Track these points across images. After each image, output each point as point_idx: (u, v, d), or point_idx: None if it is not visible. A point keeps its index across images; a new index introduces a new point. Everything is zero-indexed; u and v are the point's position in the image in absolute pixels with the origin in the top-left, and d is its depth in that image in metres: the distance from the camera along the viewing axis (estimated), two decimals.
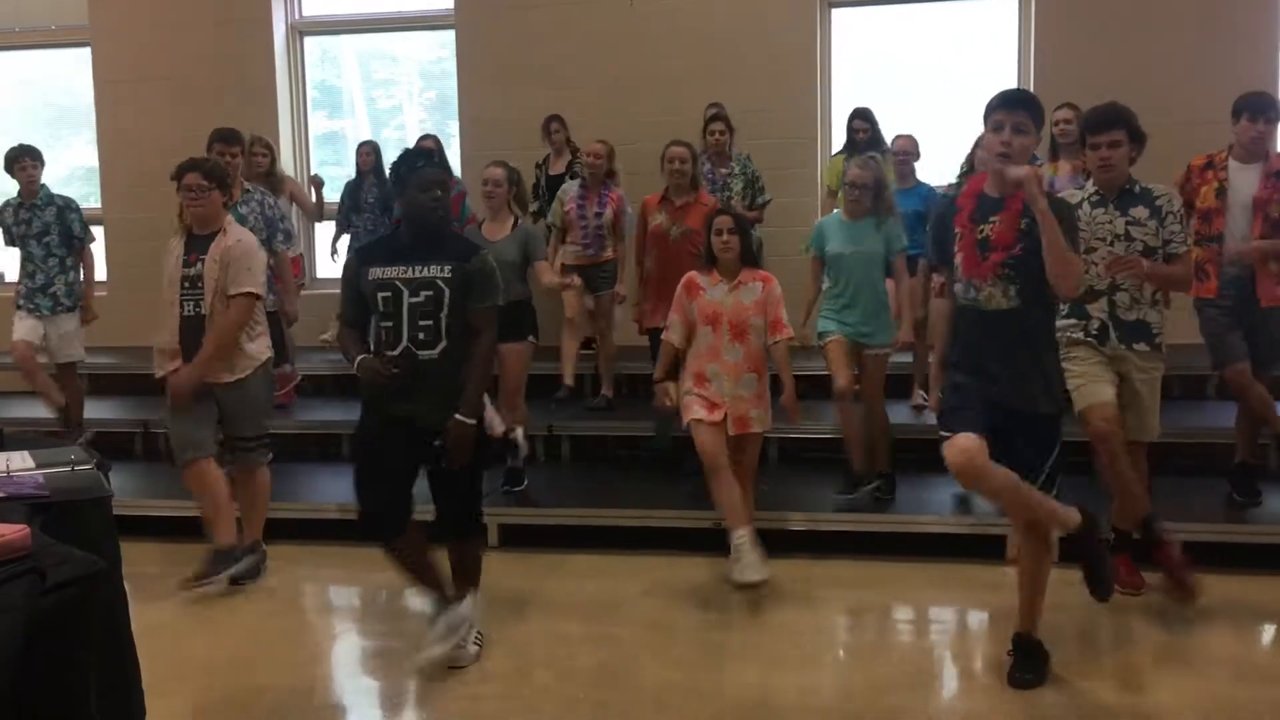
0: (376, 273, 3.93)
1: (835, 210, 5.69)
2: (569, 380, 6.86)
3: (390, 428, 3.92)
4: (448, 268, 3.88)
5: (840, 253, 5.37)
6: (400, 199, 4.03)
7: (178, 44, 8.79)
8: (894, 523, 5.30)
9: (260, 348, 4.98)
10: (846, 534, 5.29)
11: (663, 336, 4.91)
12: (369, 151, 7.90)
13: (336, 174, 9.09)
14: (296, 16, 9.02)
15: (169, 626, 4.55)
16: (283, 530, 5.49)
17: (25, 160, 6.69)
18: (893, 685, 3.85)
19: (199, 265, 4.88)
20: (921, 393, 6.40)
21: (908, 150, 6.64)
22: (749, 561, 4.58)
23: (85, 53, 9.15)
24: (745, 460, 4.83)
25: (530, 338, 5.74)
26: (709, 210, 5.49)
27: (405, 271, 3.90)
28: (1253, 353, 5.11)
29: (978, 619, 4.62)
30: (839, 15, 8.28)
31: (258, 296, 4.94)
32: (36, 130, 9.67)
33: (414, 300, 3.86)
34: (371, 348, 3.96)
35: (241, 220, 6.02)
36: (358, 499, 4.01)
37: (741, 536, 4.61)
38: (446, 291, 3.87)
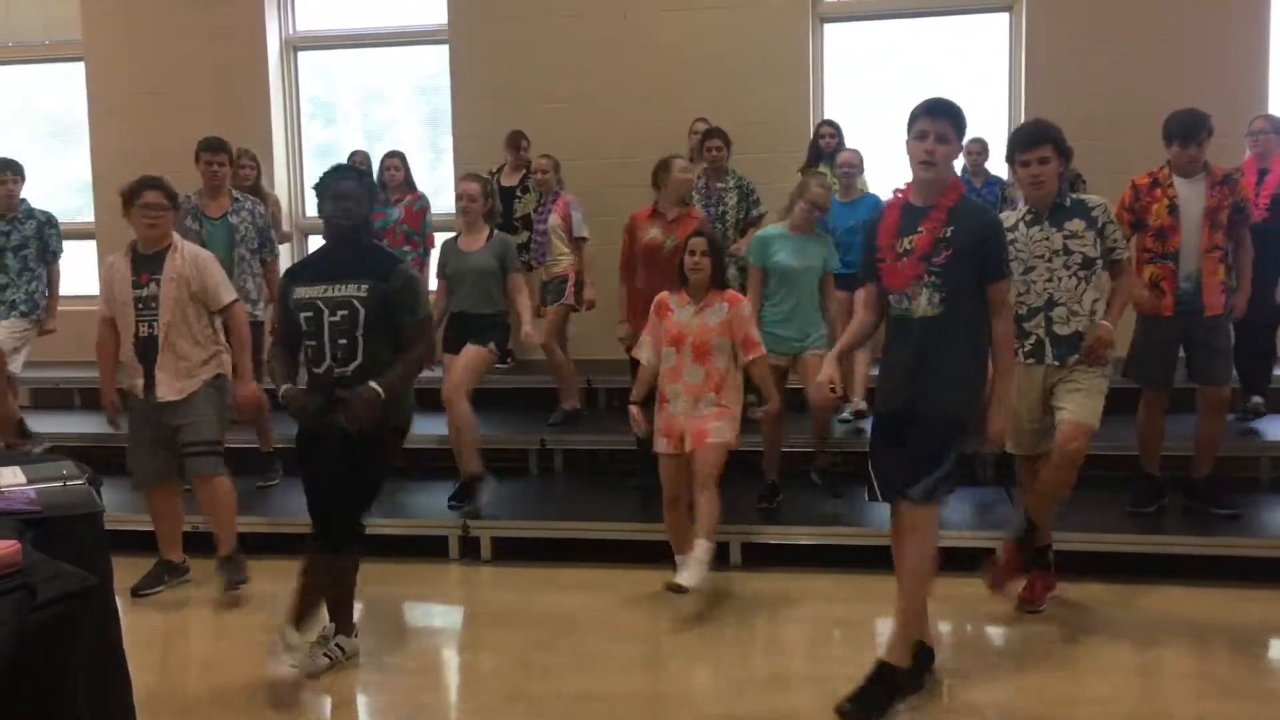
0: (301, 292, 3.98)
1: (778, 225, 5.70)
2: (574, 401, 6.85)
3: (317, 444, 3.99)
4: (364, 286, 3.92)
5: (790, 266, 5.48)
6: (319, 213, 4.06)
7: (171, 59, 8.80)
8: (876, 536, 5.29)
9: (214, 365, 4.99)
10: (825, 547, 5.31)
11: (634, 354, 4.94)
12: (362, 161, 7.90)
13: None
14: (290, 32, 9.04)
15: (160, 641, 4.54)
16: (273, 545, 5.48)
17: (6, 174, 6.66)
18: None
19: (152, 285, 4.84)
20: (851, 400, 6.53)
21: (853, 164, 6.74)
22: (690, 570, 4.60)
23: (79, 67, 9.15)
24: (699, 469, 4.67)
25: (491, 345, 5.68)
26: (701, 224, 5.53)
27: (325, 290, 3.94)
28: (1192, 366, 5.26)
29: (957, 633, 4.62)
30: (831, 30, 8.32)
31: (238, 301, 5.04)
32: (30, 144, 9.68)
33: (332, 319, 3.92)
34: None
35: (233, 230, 6.03)
36: (310, 515, 4.12)
37: (701, 548, 4.63)
38: (361, 311, 3.90)
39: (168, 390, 4.86)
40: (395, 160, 7.59)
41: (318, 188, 4.03)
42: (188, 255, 4.90)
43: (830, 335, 5.57)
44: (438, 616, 5.08)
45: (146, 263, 4.88)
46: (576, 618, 4.72)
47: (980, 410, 3.65)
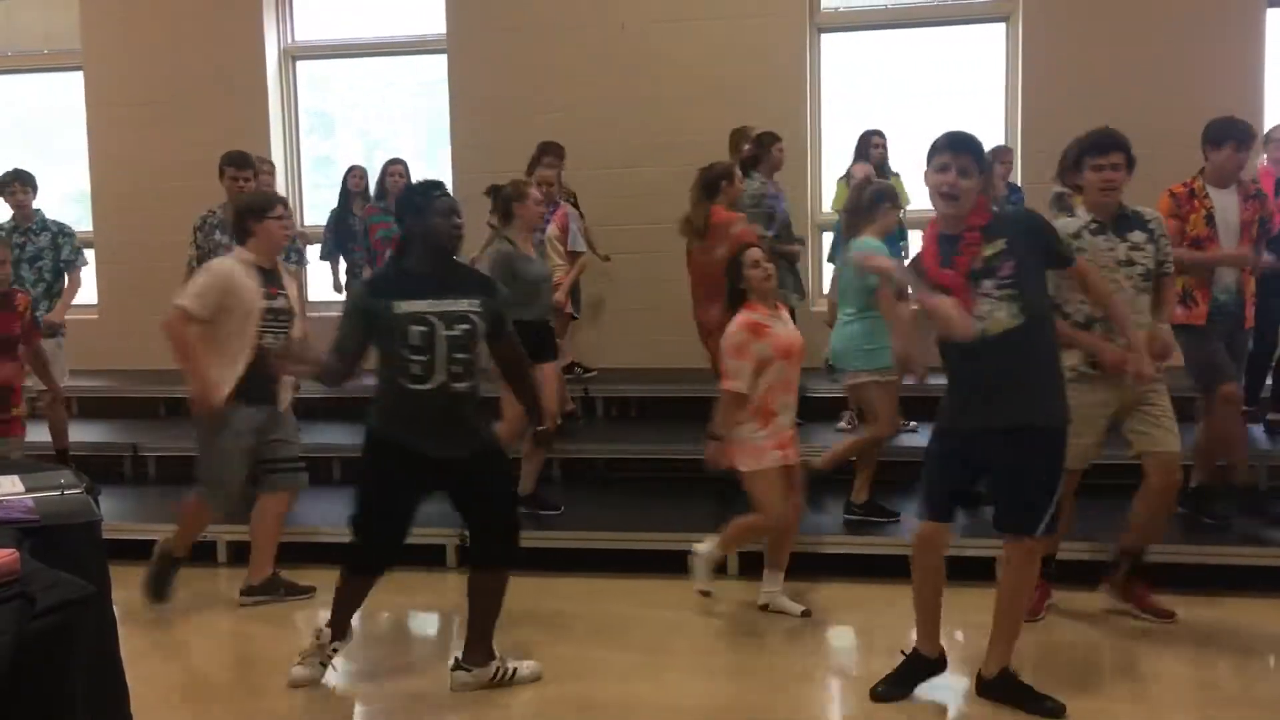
0: (404, 306, 3.81)
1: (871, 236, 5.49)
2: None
3: (410, 465, 3.87)
4: (476, 301, 3.88)
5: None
6: (417, 228, 3.90)
7: (170, 68, 8.82)
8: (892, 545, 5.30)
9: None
10: (847, 556, 5.30)
11: (731, 388, 4.58)
12: (361, 175, 7.92)
13: (329, 198, 9.11)
14: (289, 41, 9.05)
15: (158, 651, 4.53)
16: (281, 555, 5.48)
17: (15, 185, 6.68)
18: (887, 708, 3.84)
19: (281, 299, 4.86)
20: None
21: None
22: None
23: (78, 76, 9.16)
24: (797, 488, 4.77)
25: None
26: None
27: (437, 305, 3.83)
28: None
29: (974, 642, 4.61)
30: (829, 39, 8.35)
31: None
32: (28, 153, 9.68)
33: (450, 334, 3.81)
34: (389, 380, 3.88)
35: None
36: (360, 531, 3.98)
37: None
38: (479, 325, 3.88)
39: (282, 402, 4.94)
40: (399, 167, 7.59)
41: (413, 205, 3.92)
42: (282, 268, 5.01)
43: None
44: (434, 625, 5.07)
45: (270, 276, 4.86)
46: (573, 626, 4.71)
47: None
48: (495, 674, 4.04)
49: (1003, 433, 3.53)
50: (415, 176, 7.87)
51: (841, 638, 4.73)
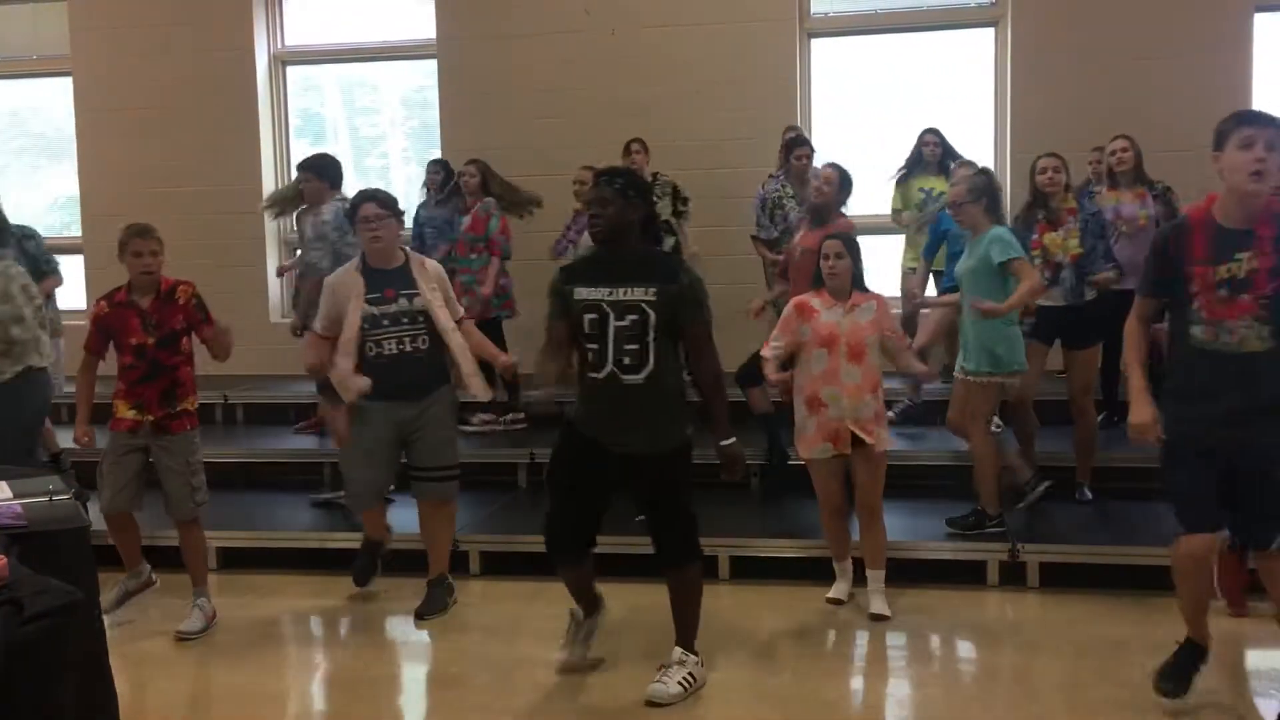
0: (583, 293, 3.81)
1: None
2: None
3: (594, 454, 3.86)
4: (652, 290, 3.77)
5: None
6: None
7: (159, 74, 8.80)
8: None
9: None
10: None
11: (763, 353, 4.79)
12: (438, 170, 7.75)
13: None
14: (279, 46, 9.05)
15: (146, 657, 4.51)
16: (262, 560, 5.47)
17: None
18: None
19: (400, 301, 4.72)
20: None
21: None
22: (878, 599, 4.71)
23: (67, 82, 9.14)
24: (873, 482, 4.72)
25: None
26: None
27: (610, 294, 3.78)
28: None
29: (965, 646, 4.63)
30: (818, 45, 8.37)
31: None
32: (17, 159, 9.69)
33: (619, 324, 3.75)
34: (579, 369, 3.89)
35: (322, 235, 6.07)
36: (548, 514, 4.00)
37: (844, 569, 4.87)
38: (651, 315, 3.75)
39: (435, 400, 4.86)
40: (473, 167, 7.48)
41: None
42: (424, 262, 4.90)
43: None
44: (426, 631, 5.05)
45: (388, 278, 4.75)
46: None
47: None
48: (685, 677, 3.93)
49: (1247, 450, 3.36)
50: (407, 182, 7.88)
51: (835, 643, 4.72)
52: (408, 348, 4.72)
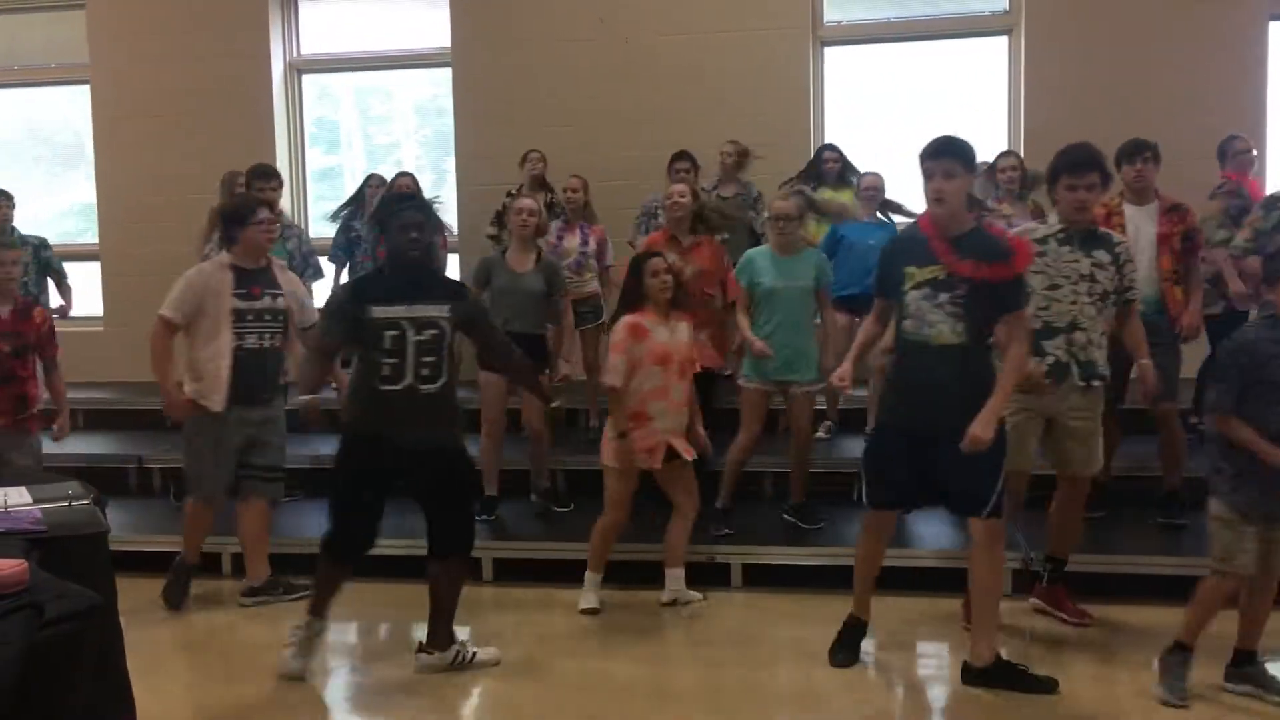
0: (379, 310, 4.06)
1: (763, 245, 5.74)
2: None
3: (377, 456, 4.10)
4: (445, 307, 4.10)
5: (774, 288, 5.43)
6: (385, 241, 4.27)
7: (176, 81, 8.85)
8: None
9: None
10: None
11: (605, 381, 4.88)
12: (379, 184, 7.87)
13: (333, 208, 9.13)
14: (295, 54, 9.10)
15: (163, 662, 4.54)
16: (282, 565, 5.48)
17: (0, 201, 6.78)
18: None
19: (266, 298, 5.01)
20: (828, 424, 6.71)
21: (876, 186, 6.76)
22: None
23: (84, 90, 9.21)
24: (690, 487, 4.97)
25: (548, 372, 5.74)
26: (718, 250, 5.71)
27: (408, 310, 4.06)
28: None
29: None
30: (831, 53, 8.38)
31: None
32: (35, 167, 9.76)
33: (419, 338, 4.04)
34: (360, 380, 4.15)
35: (290, 256, 6.14)
36: (334, 521, 4.23)
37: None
38: (447, 330, 4.10)
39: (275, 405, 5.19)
40: (407, 179, 7.61)
41: (379, 219, 4.33)
42: (284, 270, 5.22)
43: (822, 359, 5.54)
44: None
45: (254, 277, 5.03)
46: (577, 638, 4.71)
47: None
48: (455, 657, 4.28)
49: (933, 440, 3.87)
50: (416, 188, 7.89)
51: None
52: (266, 344, 5.04)
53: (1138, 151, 5.16)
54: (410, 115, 9.40)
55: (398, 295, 4.07)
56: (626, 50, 8.25)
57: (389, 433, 4.06)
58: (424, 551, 4.31)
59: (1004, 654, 4.04)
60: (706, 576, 5.24)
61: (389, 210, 4.19)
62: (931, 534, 5.49)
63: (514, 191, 7.51)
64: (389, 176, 7.84)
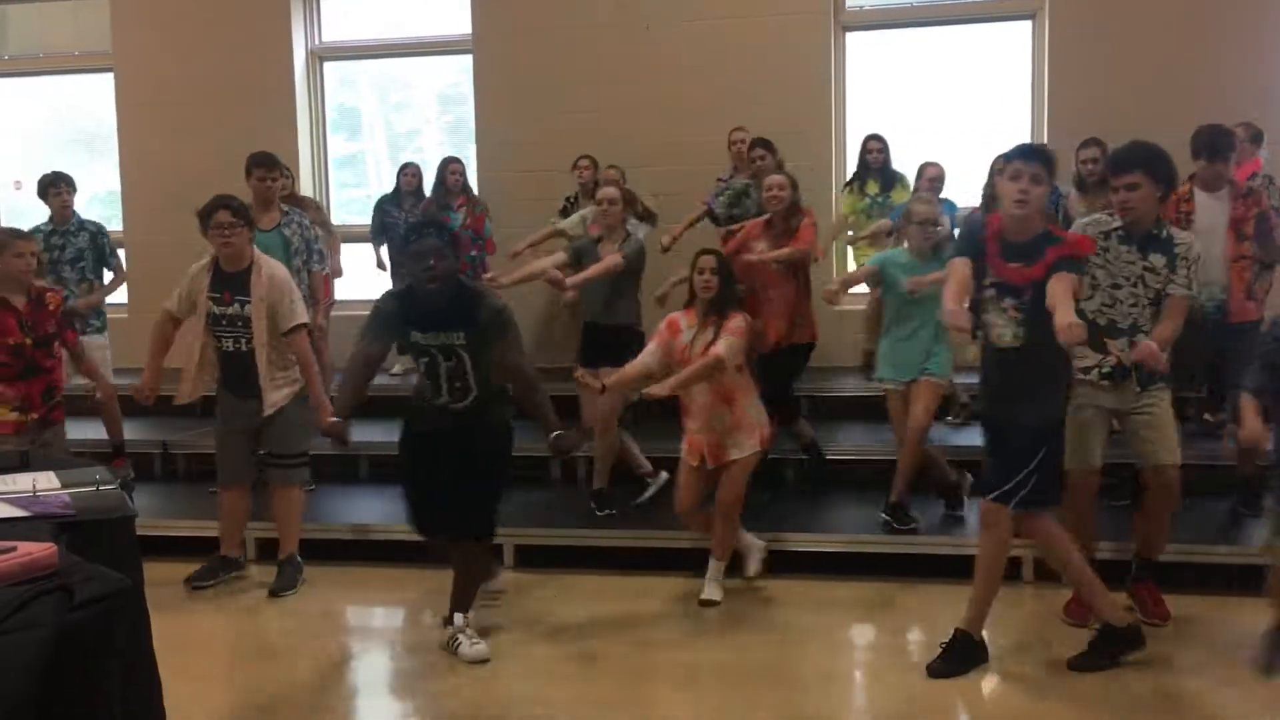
0: (417, 336, 4.26)
1: (900, 247, 5.53)
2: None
3: (429, 442, 4.37)
4: (462, 335, 4.20)
5: (904, 292, 5.23)
6: (407, 271, 4.38)
7: (199, 69, 8.90)
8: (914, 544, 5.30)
9: (294, 375, 5.19)
10: (859, 555, 5.28)
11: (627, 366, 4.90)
12: (414, 174, 7.92)
13: (355, 195, 9.17)
14: (316, 42, 9.12)
15: (189, 646, 4.58)
16: (304, 551, 5.52)
17: (60, 186, 6.85)
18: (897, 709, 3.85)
19: (236, 305, 5.02)
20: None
21: (939, 177, 6.76)
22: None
23: (108, 78, 9.27)
24: (727, 491, 4.81)
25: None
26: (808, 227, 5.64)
27: (436, 338, 4.23)
28: (1225, 374, 5.22)
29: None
30: (853, 38, 8.33)
31: (307, 325, 5.17)
32: (60, 154, 9.81)
33: (447, 363, 4.24)
34: (414, 387, 4.48)
35: (286, 243, 6.11)
36: (408, 502, 4.50)
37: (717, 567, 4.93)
38: (467, 357, 4.23)
39: (270, 402, 5.13)
40: (457, 165, 7.63)
41: (403, 250, 4.44)
42: (265, 275, 5.06)
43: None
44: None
45: (229, 281, 5.05)
46: (600, 625, 4.73)
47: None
48: (449, 640, 4.35)
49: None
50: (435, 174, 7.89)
51: (862, 637, 4.73)
52: (244, 347, 5.06)
53: (1218, 152, 5.08)
54: (431, 102, 9.42)
55: (427, 322, 4.23)
56: (647, 37, 8.23)
57: (431, 431, 4.37)
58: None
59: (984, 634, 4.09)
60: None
61: (406, 240, 4.26)
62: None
63: (570, 200, 7.54)
64: (422, 164, 7.90)
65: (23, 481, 2.94)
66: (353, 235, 8.37)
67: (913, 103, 8.23)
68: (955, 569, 4.79)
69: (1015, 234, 3.83)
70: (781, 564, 5.19)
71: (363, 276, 8.25)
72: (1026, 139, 7.91)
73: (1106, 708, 3.78)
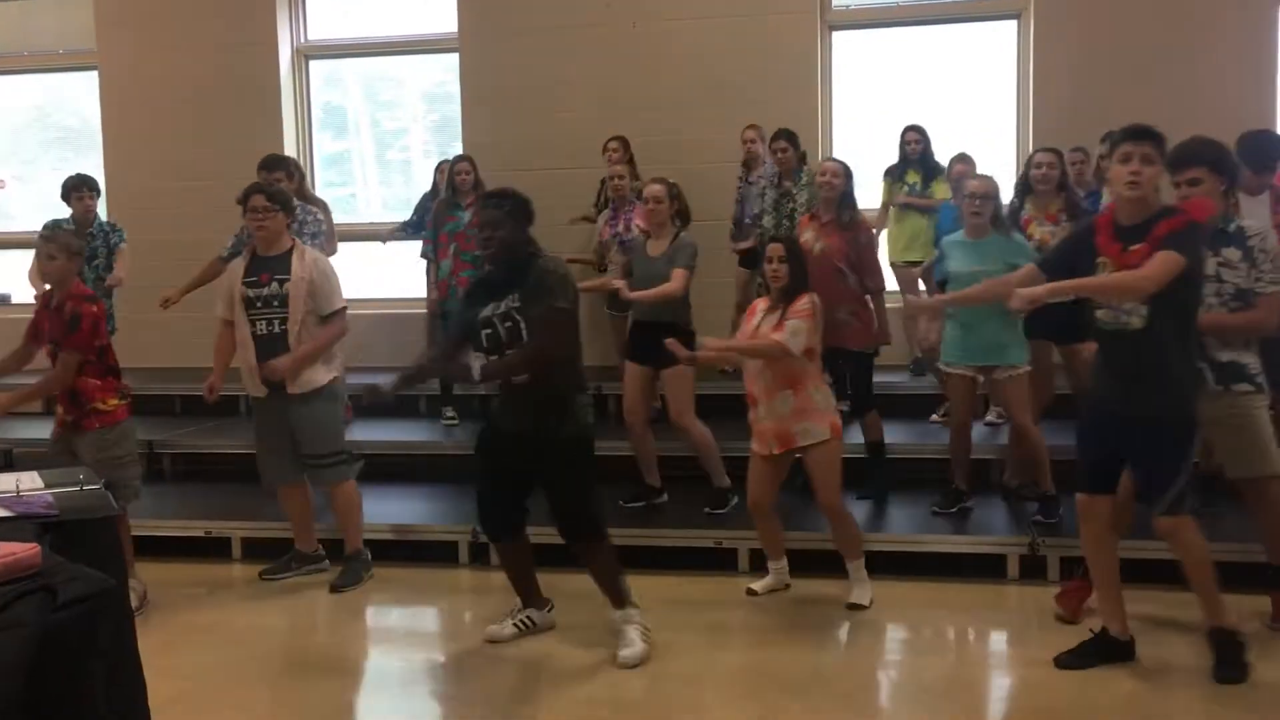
0: (481, 312, 4.25)
1: (958, 232, 5.44)
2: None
3: (501, 440, 4.31)
4: (516, 296, 4.15)
5: (960, 273, 5.14)
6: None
7: (184, 67, 8.86)
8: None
9: (333, 368, 5.18)
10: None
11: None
12: (468, 169, 7.66)
13: (340, 195, 9.13)
14: (302, 40, 9.09)
15: (173, 645, 4.57)
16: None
17: (83, 190, 6.89)
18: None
19: (273, 285, 5.01)
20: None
21: (968, 174, 6.69)
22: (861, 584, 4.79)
23: (93, 76, 9.22)
24: (821, 495, 4.72)
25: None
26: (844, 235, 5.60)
27: (495, 308, 4.20)
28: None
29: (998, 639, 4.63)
30: (839, 37, 8.35)
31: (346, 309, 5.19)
32: (43, 152, 9.78)
33: (504, 325, 4.18)
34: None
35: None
36: (477, 501, 4.44)
37: (778, 568, 4.96)
38: (521, 321, 4.14)
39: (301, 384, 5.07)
40: (466, 164, 7.57)
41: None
42: (309, 257, 5.13)
43: None
44: (449, 621, 5.10)
45: (266, 264, 5.08)
46: (588, 622, 4.72)
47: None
48: (621, 618, 4.32)
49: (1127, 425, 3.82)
50: (426, 175, 7.89)
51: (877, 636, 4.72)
52: (277, 330, 5.02)
53: (1266, 165, 5.04)
54: (418, 101, 9.40)
55: (490, 293, 4.24)
56: (634, 35, 8.23)
57: (496, 422, 4.35)
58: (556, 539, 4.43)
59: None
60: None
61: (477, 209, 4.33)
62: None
63: (597, 203, 7.52)
64: (408, 163, 7.85)
65: (6, 481, 2.94)
66: (341, 235, 8.32)
67: (899, 102, 8.25)
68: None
69: (1128, 217, 3.73)
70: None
71: (363, 277, 8.24)
72: (1012, 138, 7.96)
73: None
